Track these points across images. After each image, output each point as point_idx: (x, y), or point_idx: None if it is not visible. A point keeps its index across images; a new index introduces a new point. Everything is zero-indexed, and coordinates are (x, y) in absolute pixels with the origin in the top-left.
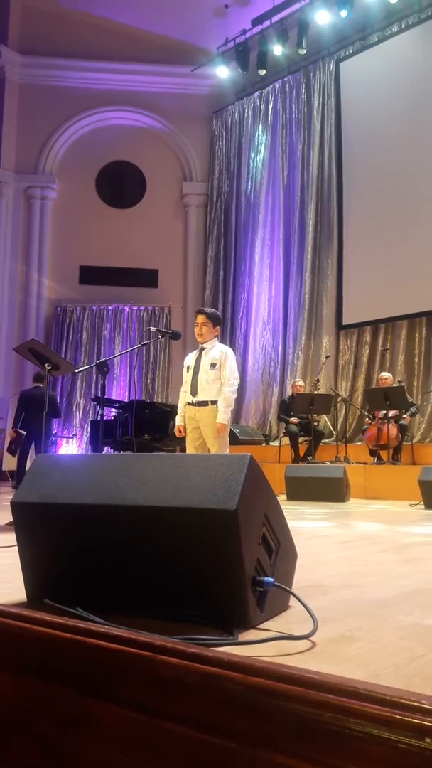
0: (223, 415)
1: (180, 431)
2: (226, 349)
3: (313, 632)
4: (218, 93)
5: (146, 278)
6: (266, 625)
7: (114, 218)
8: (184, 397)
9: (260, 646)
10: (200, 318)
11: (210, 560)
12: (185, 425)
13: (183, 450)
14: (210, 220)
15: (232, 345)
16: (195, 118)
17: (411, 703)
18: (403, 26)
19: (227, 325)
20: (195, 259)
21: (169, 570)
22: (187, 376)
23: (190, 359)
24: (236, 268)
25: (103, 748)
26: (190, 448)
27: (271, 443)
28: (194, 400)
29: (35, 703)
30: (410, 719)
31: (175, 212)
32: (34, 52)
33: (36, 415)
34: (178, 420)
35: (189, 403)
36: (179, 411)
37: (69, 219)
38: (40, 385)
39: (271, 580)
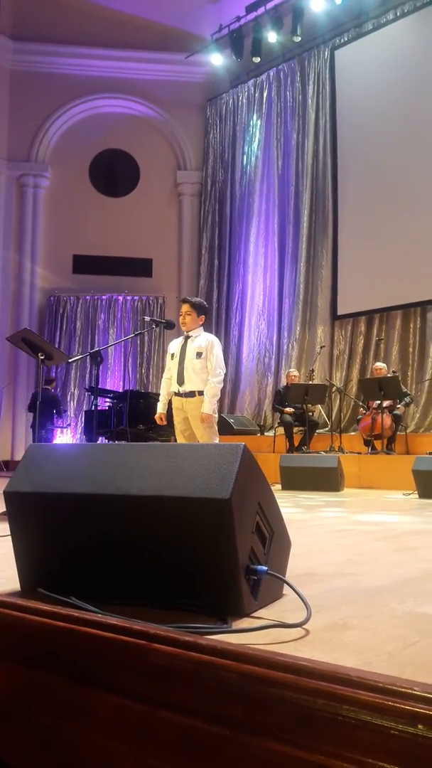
0: (209, 406)
1: (161, 418)
2: (212, 338)
3: (307, 620)
4: (212, 81)
5: (140, 268)
6: (260, 613)
7: (107, 207)
8: (166, 384)
9: (254, 634)
10: (184, 307)
11: (204, 549)
12: (173, 415)
13: (175, 440)
14: (204, 209)
15: (226, 335)
16: (189, 106)
17: (403, 690)
18: (398, 14)
19: (222, 315)
20: (189, 248)
21: (162, 559)
22: (171, 364)
23: (174, 346)
24: (231, 257)
25: (99, 737)
26: (180, 438)
27: (265, 433)
28: (181, 390)
29: (30, 692)
30: (403, 706)
31: (169, 201)
32: (26, 38)
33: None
34: (159, 407)
35: (176, 393)
36: (161, 398)
37: (62, 208)
38: (48, 388)
39: (265, 568)
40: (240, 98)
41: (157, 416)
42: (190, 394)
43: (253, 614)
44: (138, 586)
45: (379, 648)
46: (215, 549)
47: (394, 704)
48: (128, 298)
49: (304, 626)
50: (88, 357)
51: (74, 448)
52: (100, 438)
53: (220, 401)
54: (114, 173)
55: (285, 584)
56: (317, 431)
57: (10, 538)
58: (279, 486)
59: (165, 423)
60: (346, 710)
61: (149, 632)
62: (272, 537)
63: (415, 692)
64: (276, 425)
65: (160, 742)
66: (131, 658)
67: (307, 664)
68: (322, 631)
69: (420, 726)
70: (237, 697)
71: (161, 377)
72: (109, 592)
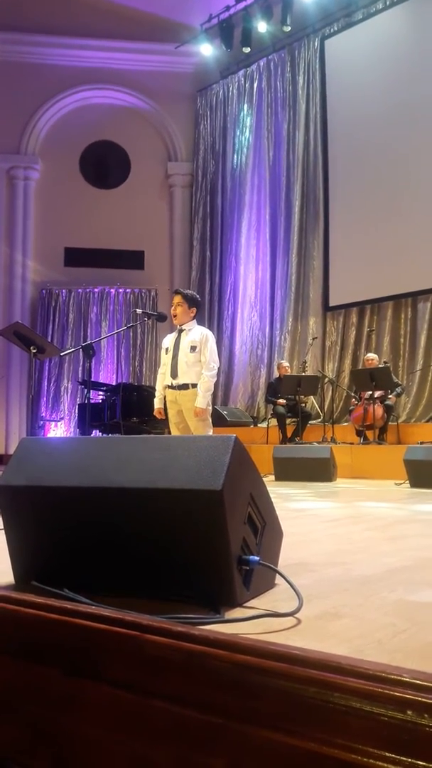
0: (202, 400)
1: (160, 413)
2: (206, 331)
3: (298, 609)
4: (202, 71)
5: (132, 260)
6: (252, 603)
7: (98, 199)
8: (162, 379)
9: (246, 624)
10: (176, 298)
11: (196, 540)
12: (167, 408)
13: (169, 433)
14: (195, 200)
15: (219, 327)
16: (179, 97)
17: (393, 676)
18: (387, 3)
19: (214, 307)
20: (181, 240)
21: (155, 550)
22: (165, 358)
23: (168, 341)
24: (223, 249)
25: (92, 728)
26: (175, 431)
27: (259, 425)
28: (174, 383)
29: (23, 684)
30: (392, 692)
31: (161, 193)
32: (14, 29)
33: None
34: (156, 402)
35: (169, 386)
36: (157, 393)
37: (53, 200)
38: None
39: (257, 558)
40: (230, 89)
41: (155, 411)
42: (184, 387)
43: (246, 604)
44: (131, 577)
45: (370, 636)
46: (207, 540)
47: (383, 691)
48: (120, 290)
49: (295, 615)
50: (81, 350)
51: (67, 441)
52: (93, 431)
53: (214, 393)
54: (105, 165)
55: (277, 574)
56: (310, 422)
57: (3, 531)
58: (272, 477)
59: (164, 417)
60: (337, 698)
61: (142, 623)
62: (264, 527)
63: (404, 679)
64: (269, 417)
65: (154, 732)
66: (124, 649)
67: (298, 652)
68: (314, 619)
69: (409, 712)
70: (230, 687)
71: (155, 370)
72: (102, 583)
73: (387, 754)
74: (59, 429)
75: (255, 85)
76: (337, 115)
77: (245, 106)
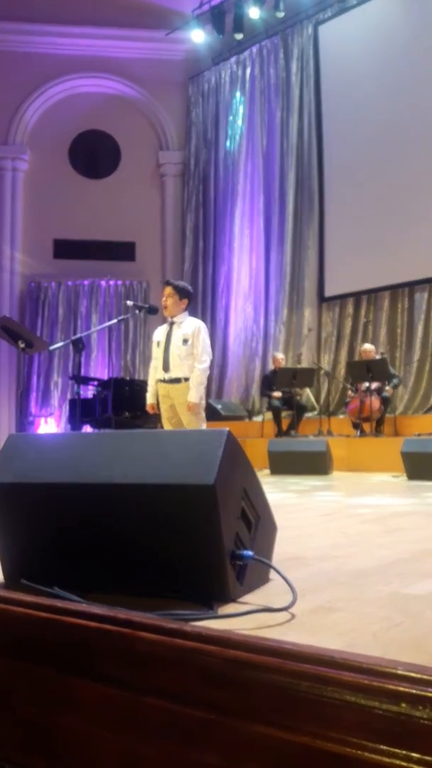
0: (195, 394)
1: (153, 408)
2: (199, 323)
3: (292, 604)
4: (194, 58)
5: (123, 251)
6: (246, 598)
7: (88, 189)
8: (154, 373)
9: (239, 619)
10: (167, 289)
11: (189, 535)
12: (159, 402)
13: (162, 428)
14: (188, 190)
15: (213, 319)
16: (170, 85)
17: (387, 669)
18: None
19: (208, 299)
20: (173, 230)
21: (147, 546)
22: (157, 352)
23: (159, 334)
24: (216, 239)
25: (85, 726)
26: (167, 426)
27: (254, 418)
28: (166, 376)
29: (15, 683)
30: (386, 685)
31: (152, 182)
32: (1, 17)
33: None
34: (149, 397)
35: (161, 380)
36: (149, 388)
37: (42, 191)
38: None
39: (251, 553)
40: (222, 76)
41: (148, 406)
42: (176, 381)
43: (240, 599)
44: (123, 574)
45: (364, 629)
46: (200, 535)
47: (377, 684)
48: (111, 283)
49: (289, 610)
50: (70, 344)
51: (56, 437)
52: (84, 427)
53: (208, 387)
54: (94, 155)
55: (271, 569)
56: (306, 415)
57: None
58: (268, 471)
59: (157, 412)
60: (330, 691)
61: (134, 620)
62: (258, 522)
63: (398, 672)
64: (264, 410)
65: (147, 729)
66: (116, 646)
67: (291, 647)
68: (308, 614)
69: (403, 704)
70: (222, 682)
71: (147, 364)
72: (93, 581)
73: (382, 746)
74: (50, 425)
75: (248, 72)
76: (332, 102)
77: (238, 94)
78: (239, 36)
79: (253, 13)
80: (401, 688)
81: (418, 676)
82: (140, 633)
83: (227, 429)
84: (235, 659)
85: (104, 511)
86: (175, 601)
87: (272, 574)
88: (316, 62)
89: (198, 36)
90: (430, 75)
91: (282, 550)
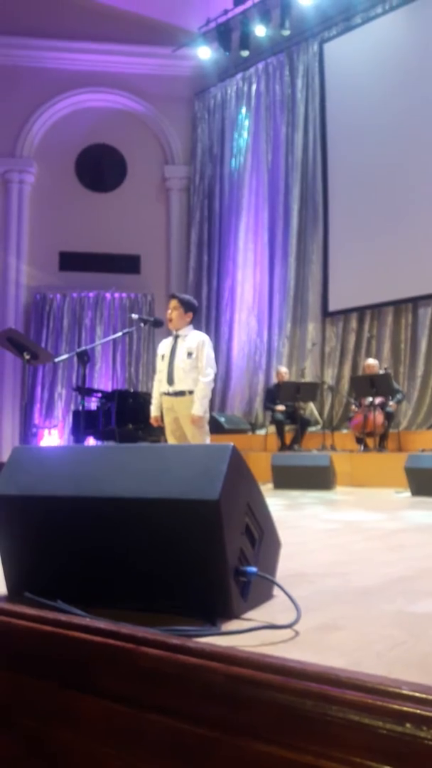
0: (199, 407)
1: (157, 420)
2: (204, 337)
3: (296, 621)
4: (200, 74)
5: (128, 264)
6: (250, 614)
7: (94, 203)
8: (158, 386)
9: (243, 636)
10: (172, 302)
11: (193, 551)
12: (163, 415)
13: (166, 441)
14: (193, 204)
15: (216, 332)
16: (176, 100)
17: (391, 689)
18: (387, 7)
19: (212, 312)
20: (178, 244)
21: (151, 561)
22: (161, 365)
23: (164, 347)
24: (220, 253)
25: (87, 741)
26: (171, 439)
27: (257, 432)
28: (171, 389)
29: (17, 697)
30: (390, 705)
31: (157, 196)
32: (9, 32)
33: None
34: (153, 410)
35: (166, 393)
36: (154, 401)
37: (48, 204)
38: None
39: (255, 569)
40: (228, 92)
41: (152, 419)
42: (180, 394)
43: (243, 616)
44: (126, 588)
45: (368, 648)
46: (204, 551)
47: (382, 704)
48: (116, 295)
49: (293, 627)
50: (75, 356)
51: (60, 450)
52: (88, 438)
53: (211, 400)
54: (100, 168)
55: (275, 585)
56: (309, 429)
57: None
58: (271, 485)
59: (161, 424)
60: (334, 710)
61: (137, 635)
62: (262, 538)
63: (403, 691)
64: (267, 424)
65: (149, 746)
66: (119, 661)
67: (295, 665)
68: (312, 632)
69: (408, 725)
70: (226, 699)
71: (151, 376)
72: (96, 595)
73: (385, 767)
74: (53, 436)
75: (253, 88)
76: (337, 119)
77: (243, 110)
78: (245, 53)
79: (259, 30)
80: (406, 708)
81: (423, 696)
82: (143, 648)
83: (232, 444)
84: (238, 676)
85: (108, 525)
86: (178, 616)
87: (276, 591)
88: (321, 79)
89: (204, 53)
90: None
91: (285, 566)
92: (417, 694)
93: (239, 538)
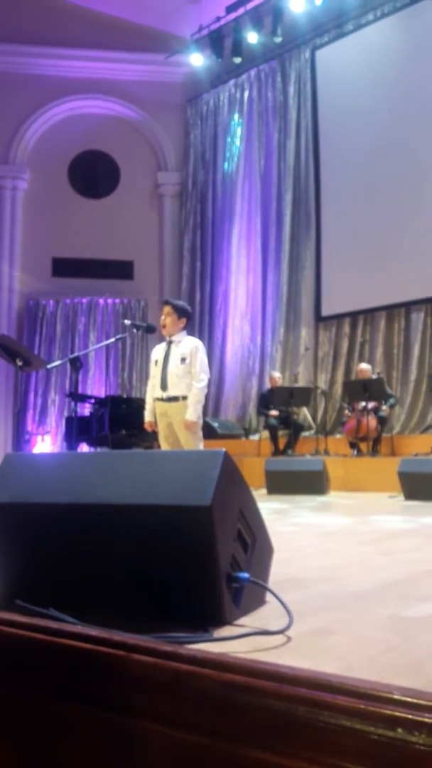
0: (192, 412)
1: (151, 426)
2: (197, 342)
3: (289, 627)
4: (192, 81)
5: (121, 270)
6: (242, 620)
7: (87, 209)
8: (152, 391)
9: (235, 642)
10: (166, 308)
11: (185, 557)
12: (157, 421)
13: (159, 446)
14: (186, 210)
15: (210, 338)
16: (169, 107)
17: (383, 694)
18: (378, 15)
19: (205, 317)
20: (171, 250)
21: (143, 567)
22: (155, 370)
23: (158, 353)
24: (213, 259)
25: (79, 749)
26: (164, 444)
27: (250, 437)
28: (164, 395)
29: (8, 706)
30: (382, 710)
31: (150, 202)
32: (3, 39)
33: None
34: (147, 415)
35: (159, 399)
36: (147, 406)
37: (41, 210)
38: None
39: (247, 575)
40: (221, 98)
41: (146, 424)
42: (174, 399)
43: (236, 622)
44: (118, 595)
45: (361, 653)
46: (196, 557)
47: (374, 709)
48: (109, 301)
49: (286, 633)
50: (67, 362)
51: (52, 456)
52: (81, 444)
53: (204, 405)
54: (93, 175)
55: (267, 591)
56: (302, 434)
57: None
58: (264, 490)
59: (156, 430)
60: (326, 716)
61: (129, 643)
62: (254, 543)
63: (395, 696)
64: (261, 428)
65: (141, 753)
66: (111, 669)
67: (287, 671)
68: (305, 637)
69: (399, 730)
70: (218, 706)
71: (144, 382)
72: (88, 602)
73: None
74: (46, 443)
75: (246, 94)
76: (329, 125)
77: (236, 116)
78: (238, 60)
79: (252, 37)
80: (397, 713)
81: (415, 701)
82: (135, 655)
83: (224, 449)
84: (230, 683)
85: (100, 532)
86: (170, 623)
87: (268, 596)
88: (313, 86)
89: (197, 59)
90: (426, 99)
91: (278, 571)
92: (409, 699)
93: (231, 544)
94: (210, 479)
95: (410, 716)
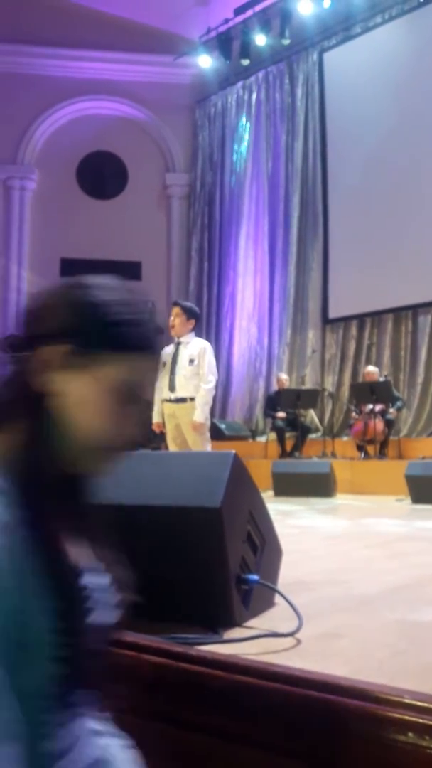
0: (200, 413)
1: (159, 427)
2: (205, 344)
3: (298, 629)
4: (201, 83)
5: (129, 271)
6: (251, 622)
7: (95, 209)
8: (159, 393)
9: (245, 644)
10: (175, 310)
11: (194, 558)
12: (164, 422)
13: (166, 447)
14: (193, 211)
15: (217, 339)
16: (177, 108)
17: (394, 698)
18: (386, 17)
19: (212, 319)
20: (179, 251)
21: (152, 568)
22: (163, 372)
23: (166, 354)
24: (221, 260)
25: None
26: (172, 446)
27: (257, 438)
28: (172, 396)
29: None
30: (392, 714)
31: (158, 204)
32: (12, 40)
33: None
34: (155, 417)
35: (167, 400)
36: (155, 407)
37: (49, 210)
38: None
39: (256, 577)
40: (229, 100)
41: (154, 425)
42: (182, 400)
43: (245, 624)
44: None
45: (370, 657)
46: (206, 558)
47: (384, 713)
48: None
49: (295, 635)
50: None
51: None
52: None
53: (212, 407)
54: (102, 175)
55: (276, 593)
56: (310, 436)
57: None
58: (271, 492)
59: (164, 431)
60: (337, 719)
61: (139, 643)
62: (263, 545)
63: (405, 700)
64: (268, 430)
65: (150, 754)
66: (121, 669)
67: (298, 673)
68: (314, 640)
69: (410, 734)
70: (228, 708)
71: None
72: None
73: None
74: None
75: (254, 96)
76: (336, 127)
77: (244, 118)
78: (246, 62)
79: (260, 40)
80: (408, 717)
81: (426, 705)
82: (145, 656)
83: (233, 451)
84: (241, 684)
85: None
86: (179, 624)
87: (277, 598)
88: (321, 88)
89: (205, 61)
90: None
91: (286, 573)
92: (419, 704)
93: (241, 545)
94: (220, 481)
95: (421, 721)
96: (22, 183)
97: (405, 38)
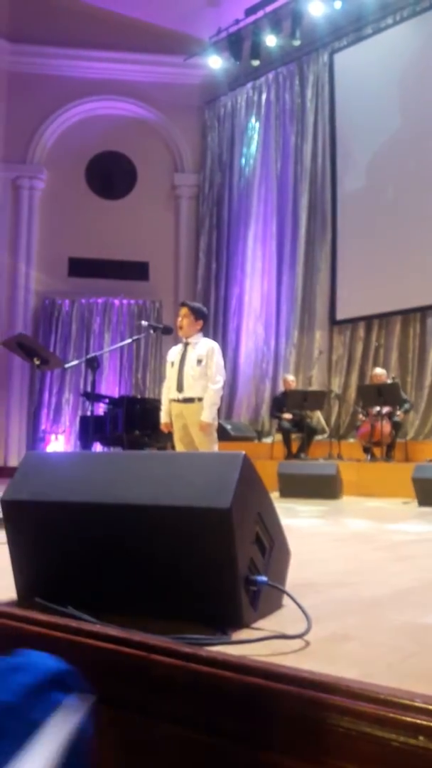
0: (208, 413)
1: (167, 426)
2: (213, 344)
3: (307, 631)
4: (210, 83)
5: (137, 271)
6: (260, 624)
7: (104, 209)
8: (167, 392)
9: (254, 646)
10: (183, 310)
11: (203, 559)
12: (172, 422)
13: (173, 447)
14: (202, 212)
15: (224, 339)
16: (187, 109)
17: (404, 701)
18: (397, 18)
19: (219, 319)
20: (186, 251)
21: (161, 568)
22: (171, 372)
23: (174, 354)
24: (228, 261)
25: (97, 749)
26: (179, 446)
27: (263, 440)
28: (180, 396)
29: None
30: (403, 717)
31: (167, 204)
32: (24, 40)
33: None
34: (163, 417)
35: (175, 400)
36: (163, 407)
37: (58, 210)
38: None
39: (265, 579)
40: (238, 101)
41: (162, 425)
42: (190, 400)
43: (253, 625)
44: (137, 595)
45: (379, 659)
46: (215, 559)
47: (395, 716)
48: (124, 301)
49: (304, 637)
50: (84, 362)
51: (72, 456)
52: (95, 444)
53: (218, 407)
54: (111, 175)
55: (285, 595)
56: (316, 438)
57: (6, 546)
58: (277, 493)
59: (171, 431)
60: (347, 722)
61: (148, 643)
62: (272, 547)
63: (416, 704)
64: (274, 431)
65: (159, 754)
66: (130, 669)
67: (308, 675)
68: (323, 642)
69: (421, 737)
70: (238, 709)
71: (158, 383)
72: (107, 601)
73: None
74: (60, 441)
75: (263, 97)
76: (346, 129)
77: (253, 119)
78: (256, 63)
79: (270, 40)
80: (419, 721)
81: None
82: (154, 656)
83: (243, 452)
84: (250, 686)
85: (118, 532)
86: (189, 624)
87: (286, 600)
88: (331, 89)
89: (215, 62)
90: None
91: (294, 575)
92: (430, 707)
93: (250, 547)
94: (229, 482)
95: None
96: (32, 182)
97: (416, 39)
